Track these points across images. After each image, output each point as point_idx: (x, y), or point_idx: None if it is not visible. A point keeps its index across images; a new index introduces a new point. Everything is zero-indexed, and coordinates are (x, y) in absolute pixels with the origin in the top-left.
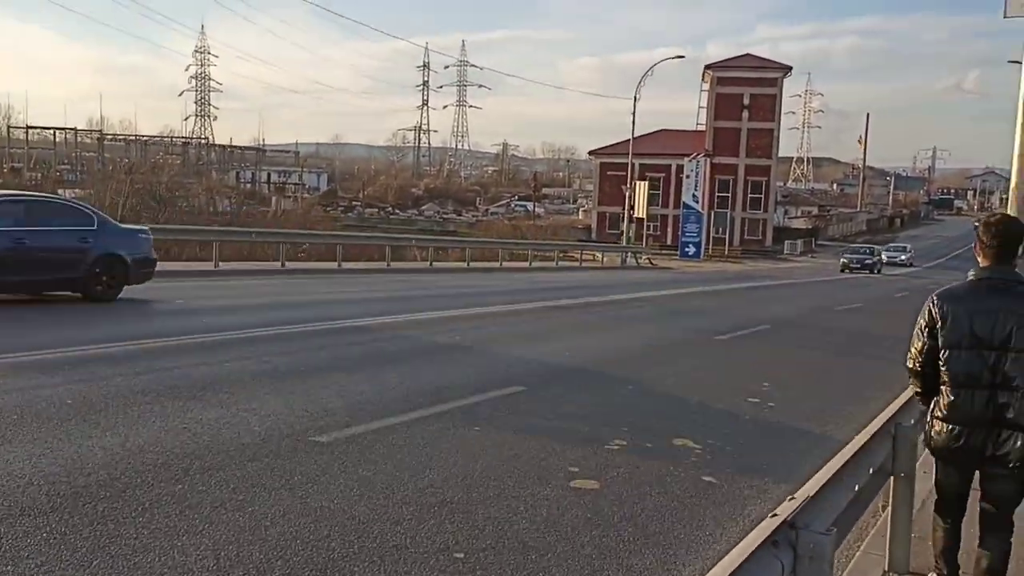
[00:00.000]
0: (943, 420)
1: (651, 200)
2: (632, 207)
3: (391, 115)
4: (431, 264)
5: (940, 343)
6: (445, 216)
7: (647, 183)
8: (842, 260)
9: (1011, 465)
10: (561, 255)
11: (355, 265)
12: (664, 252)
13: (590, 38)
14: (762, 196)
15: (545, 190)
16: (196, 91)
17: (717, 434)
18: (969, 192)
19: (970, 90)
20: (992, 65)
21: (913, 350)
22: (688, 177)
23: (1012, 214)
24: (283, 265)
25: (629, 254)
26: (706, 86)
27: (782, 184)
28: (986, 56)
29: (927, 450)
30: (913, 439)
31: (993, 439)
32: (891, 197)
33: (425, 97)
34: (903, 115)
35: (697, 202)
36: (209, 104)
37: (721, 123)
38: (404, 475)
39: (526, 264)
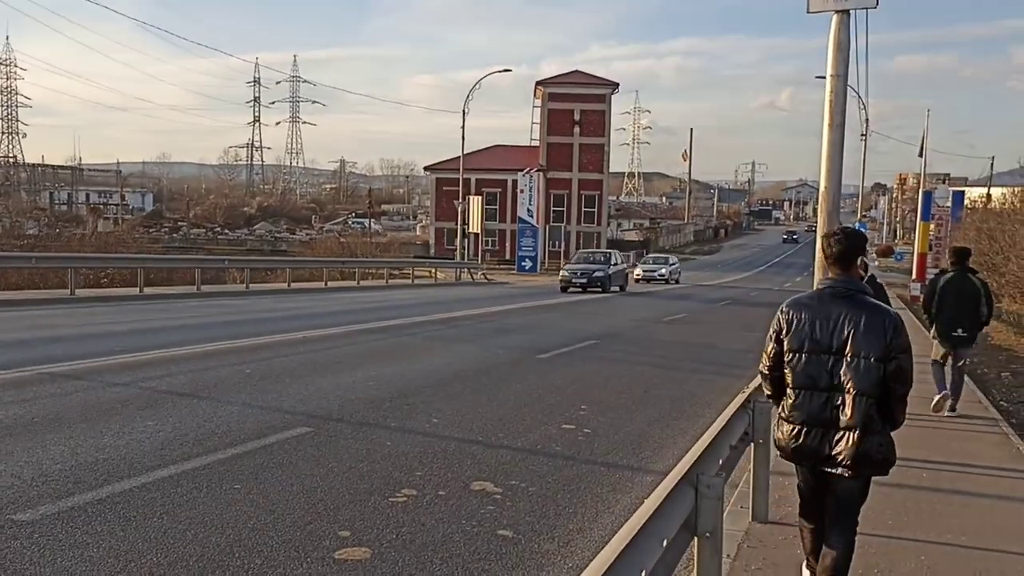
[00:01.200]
0: (786, 420)
1: (488, 215)
2: (466, 222)
3: (224, 133)
4: (247, 287)
5: (785, 347)
6: (277, 235)
7: (482, 197)
8: (561, 274)
9: (844, 464)
10: (395, 273)
11: (161, 290)
12: (502, 267)
13: (426, 56)
14: (595, 210)
15: (384, 207)
16: (1, 106)
17: (522, 472)
18: (785, 202)
19: (783, 107)
20: (802, 84)
21: (764, 355)
22: (523, 192)
23: (822, 218)
24: (72, 292)
25: (465, 269)
26: (538, 102)
27: (615, 198)
28: (797, 76)
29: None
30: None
31: (829, 439)
32: (715, 209)
33: (256, 113)
34: (724, 131)
35: (532, 216)
36: (17, 120)
37: (554, 138)
38: (119, 560)
39: (355, 283)
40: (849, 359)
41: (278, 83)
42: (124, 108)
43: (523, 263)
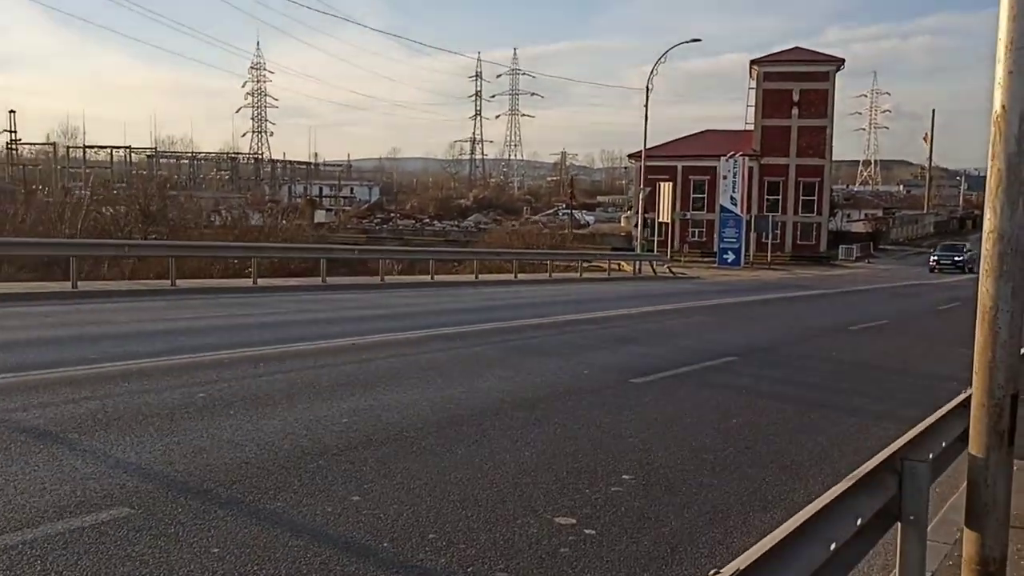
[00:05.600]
0: None
1: (696, 204)
2: (646, 210)
3: (451, 128)
4: (382, 279)
5: None
6: (482, 226)
7: (671, 183)
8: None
9: None
10: (574, 265)
11: (279, 281)
12: (706, 259)
13: (654, 46)
14: (815, 198)
15: (600, 198)
16: (253, 107)
17: None
18: None
19: None
20: None
21: None
22: (725, 178)
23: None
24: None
25: (647, 262)
26: (753, 83)
27: (844, 186)
28: None
29: None
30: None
31: None
32: (961, 198)
33: (478, 108)
34: (978, 113)
35: (736, 205)
36: (266, 120)
37: (770, 121)
38: None
39: (529, 276)
40: None
41: (498, 76)
42: (362, 108)
43: (724, 255)
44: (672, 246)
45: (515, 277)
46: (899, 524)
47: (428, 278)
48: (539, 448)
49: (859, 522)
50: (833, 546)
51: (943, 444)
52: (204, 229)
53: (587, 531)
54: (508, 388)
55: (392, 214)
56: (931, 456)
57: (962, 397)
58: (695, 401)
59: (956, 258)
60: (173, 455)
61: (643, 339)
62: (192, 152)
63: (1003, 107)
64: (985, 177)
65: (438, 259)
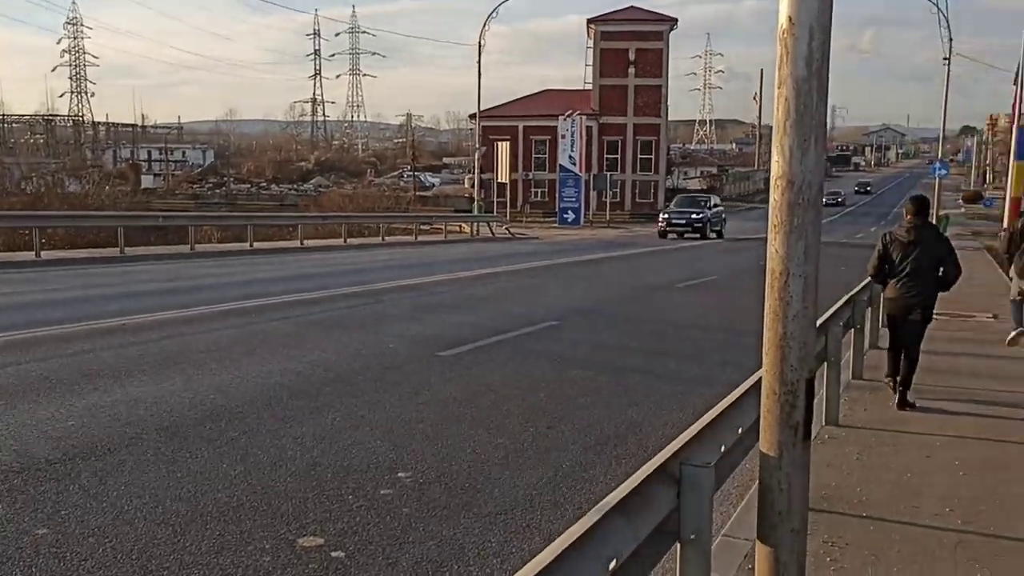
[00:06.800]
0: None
1: (537, 164)
2: (483, 171)
3: (293, 89)
4: (192, 247)
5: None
6: (322, 190)
7: (508, 143)
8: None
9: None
10: (423, 228)
11: (68, 254)
12: (548, 219)
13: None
14: (652, 157)
15: (447, 159)
16: (70, 66)
17: None
18: (866, 148)
19: (865, 50)
20: (885, 24)
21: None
22: (564, 137)
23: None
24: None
25: (487, 223)
26: (590, 43)
27: (681, 145)
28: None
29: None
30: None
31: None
32: None
33: (317, 67)
34: None
35: (575, 164)
36: (85, 80)
37: (607, 81)
38: None
39: (361, 241)
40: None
41: (337, 35)
42: (194, 67)
43: (564, 215)
44: (515, 207)
45: (345, 242)
46: (678, 544)
47: (247, 246)
48: (308, 445)
49: (613, 566)
50: None
51: (739, 432)
52: (11, 197)
53: (335, 554)
54: (295, 370)
55: (226, 178)
56: (723, 449)
57: (756, 377)
58: (503, 374)
59: (695, 215)
60: None
61: (463, 306)
62: (2, 115)
63: (790, 20)
64: None
65: (258, 224)
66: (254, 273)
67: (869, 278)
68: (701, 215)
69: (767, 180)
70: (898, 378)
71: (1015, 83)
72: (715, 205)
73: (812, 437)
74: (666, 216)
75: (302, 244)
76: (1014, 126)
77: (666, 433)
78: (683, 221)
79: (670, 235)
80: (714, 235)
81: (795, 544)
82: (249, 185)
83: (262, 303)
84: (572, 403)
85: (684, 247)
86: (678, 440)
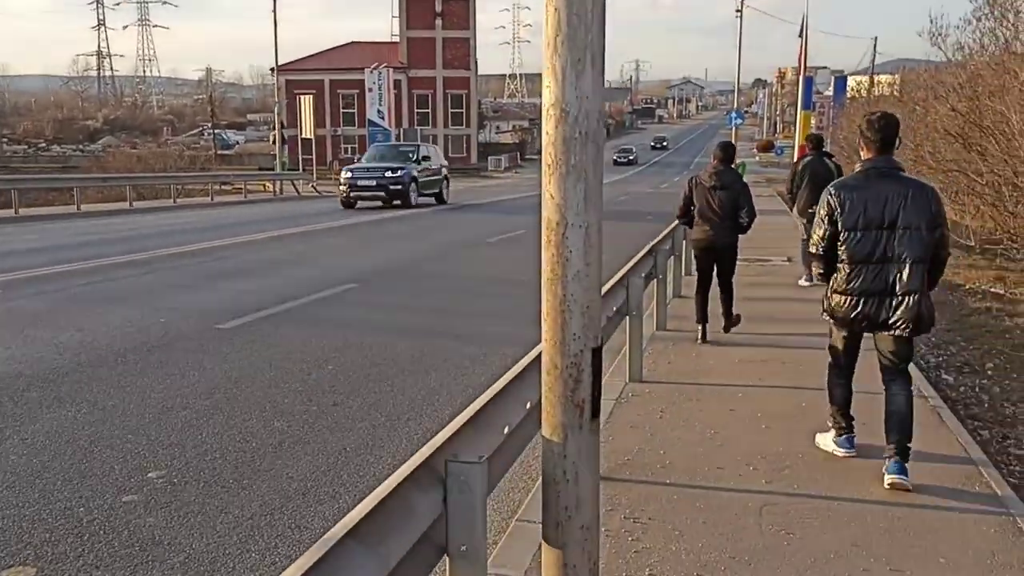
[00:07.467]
0: (842, 293)
1: (346, 120)
2: (287, 126)
3: (76, 43)
4: None
5: (840, 227)
6: (110, 149)
7: (311, 97)
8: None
9: (901, 326)
10: (223, 187)
11: None
12: None
13: None
14: (463, 111)
15: (251, 116)
16: None
17: None
18: (669, 100)
19: (665, 5)
20: None
21: (815, 237)
22: (371, 91)
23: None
24: None
25: (291, 181)
26: None
27: (493, 99)
28: None
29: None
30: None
31: (886, 307)
32: None
33: (100, 16)
34: (608, 30)
35: (383, 118)
36: None
37: (414, 33)
38: None
39: (150, 204)
40: (901, 232)
41: None
42: None
43: None
44: (324, 164)
45: (131, 206)
46: (447, 557)
47: (12, 212)
48: (38, 446)
49: None
50: None
51: (525, 410)
52: None
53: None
54: (36, 356)
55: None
56: (506, 431)
57: (537, 351)
58: (288, 346)
59: (389, 174)
60: None
61: (253, 271)
62: None
63: None
64: (615, 88)
65: (26, 188)
66: (12, 244)
67: (676, 221)
68: (400, 173)
69: None
70: (707, 324)
71: (800, 36)
72: (425, 158)
73: (617, 396)
74: (349, 176)
75: (79, 209)
76: (800, 78)
77: (462, 400)
78: (372, 182)
79: (361, 204)
80: (429, 200)
81: (587, 544)
82: (26, 146)
83: (12, 277)
84: (363, 374)
85: (495, 201)
86: (448, 428)
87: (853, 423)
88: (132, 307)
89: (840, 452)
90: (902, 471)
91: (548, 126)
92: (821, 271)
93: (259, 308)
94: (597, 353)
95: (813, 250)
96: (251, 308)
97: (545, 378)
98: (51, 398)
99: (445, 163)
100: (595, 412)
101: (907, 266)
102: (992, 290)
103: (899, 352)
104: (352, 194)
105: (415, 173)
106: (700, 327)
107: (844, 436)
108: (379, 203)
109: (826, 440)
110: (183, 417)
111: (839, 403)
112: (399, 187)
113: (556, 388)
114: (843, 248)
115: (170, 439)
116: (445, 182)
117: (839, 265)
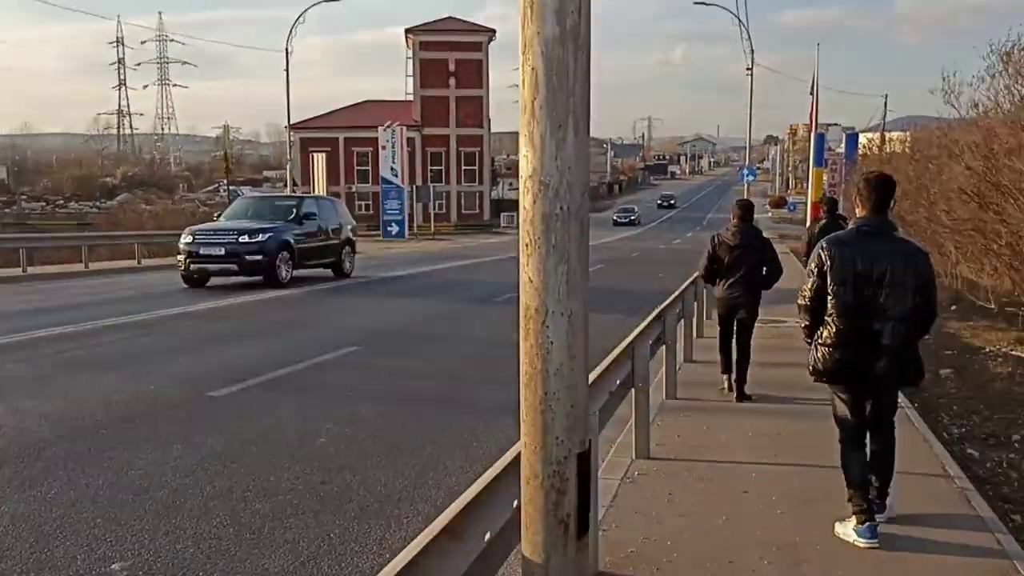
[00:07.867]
0: (827, 346)
1: (360, 176)
2: (296, 183)
3: (96, 102)
4: None
5: (828, 281)
6: (125, 205)
7: (325, 155)
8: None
9: (885, 381)
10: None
11: None
12: (372, 232)
13: (319, 17)
14: (476, 168)
15: (267, 173)
16: None
17: None
18: (681, 157)
19: (678, 63)
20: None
21: (804, 288)
22: (384, 148)
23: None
24: None
25: None
26: (410, 53)
27: (506, 156)
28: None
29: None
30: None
31: (871, 359)
32: (609, 164)
33: (122, 76)
34: (622, 88)
35: (397, 176)
36: None
37: (428, 91)
38: None
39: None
40: (888, 289)
41: (143, 43)
42: None
43: (388, 228)
44: None
45: (139, 263)
46: None
47: (20, 271)
48: (0, 531)
49: None
50: None
51: (516, 504)
52: None
53: None
54: (15, 427)
55: (18, 196)
56: (487, 537)
57: (515, 451)
58: (281, 416)
59: (245, 239)
60: None
61: (255, 333)
62: None
63: None
64: (628, 144)
65: (34, 247)
66: (13, 304)
67: (690, 279)
68: (264, 237)
69: (591, 188)
70: (733, 376)
71: (811, 93)
72: (309, 216)
73: (622, 476)
74: (189, 242)
75: (87, 268)
76: (812, 134)
77: (466, 475)
78: (220, 250)
79: (199, 277)
80: (324, 272)
81: None
82: (44, 203)
83: (5, 341)
84: (358, 448)
85: (505, 258)
86: (418, 540)
87: (875, 506)
88: (124, 372)
89: (862, 543)
90: (875, 534)
91: (525, 201)
92: (806, 323)
93: (256, 373)
94: (584, 459)
95: (801, 301)
96: (248, 373)
97: (524, 488)
98: (23, 477)
99: (351, 222)
100: (582, 529)
101: (892, 323)
102: (1014, 353)
103: (883, 402)
104: (193, 266)
105: (289, 237)
106: (726, 377)
107: (866, 525)
108: (236, 278)
109: (847, 529)
110: (159, 498)
111: (857, 482)
112: (259, 257)
113: (536, 500)
114: (831, 301)
115: (142, 524)
116: (347, 248)
117: (826, 319)
